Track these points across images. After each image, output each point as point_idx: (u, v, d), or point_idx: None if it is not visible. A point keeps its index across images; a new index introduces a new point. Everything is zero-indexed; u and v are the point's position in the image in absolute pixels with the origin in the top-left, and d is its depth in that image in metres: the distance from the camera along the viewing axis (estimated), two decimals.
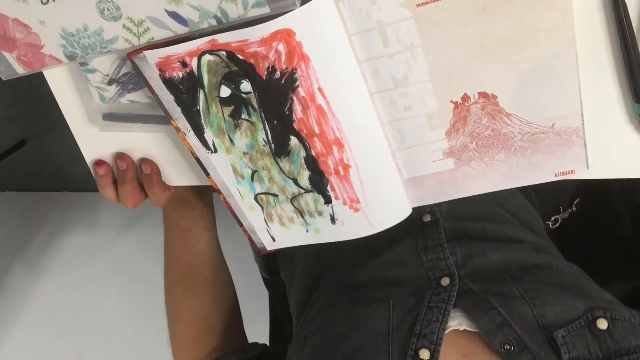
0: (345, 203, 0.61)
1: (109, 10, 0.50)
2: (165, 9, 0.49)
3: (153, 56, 0.53)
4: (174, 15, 0.49)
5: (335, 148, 0.57)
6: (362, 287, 0.70)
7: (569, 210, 0.89)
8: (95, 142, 0.65)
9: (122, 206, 0.68)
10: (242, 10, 0.48)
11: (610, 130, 0.56)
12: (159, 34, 0.51)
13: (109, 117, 0.61)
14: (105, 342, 1.74)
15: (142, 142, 0.64)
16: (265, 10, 0.48)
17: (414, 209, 0.64)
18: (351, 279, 0.72)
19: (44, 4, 0.50)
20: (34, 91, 1.86)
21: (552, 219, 0.89)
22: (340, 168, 0.58)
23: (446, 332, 0.59)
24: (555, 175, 0.59)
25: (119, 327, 1.76)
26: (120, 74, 0.58)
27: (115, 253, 1.92)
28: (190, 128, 0.58)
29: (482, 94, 0.55)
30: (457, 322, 0.60)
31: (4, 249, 2.01)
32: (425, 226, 0.72)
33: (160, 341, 1.64)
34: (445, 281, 0.65)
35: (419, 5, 0.50)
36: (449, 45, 0.52)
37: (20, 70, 0.56)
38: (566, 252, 0.95)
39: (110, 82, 0.59)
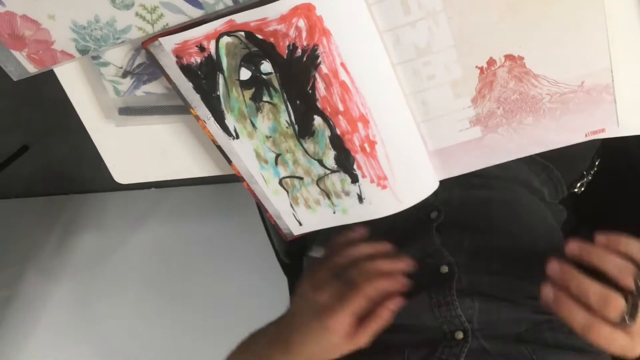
0: (372, 181, 0.59)
1: None
2: None
3: (169, 43, 0.51)
4: None
5: (360, 125, 0.55)
6: None
7: (592, 172, 0.88)
8: (113, 138, 0.63)
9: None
10: None
11: None
12: (174, 20, 0.49)
13: (125, 111, 0.60)
14: (120, 343, 1.74)
15: (161, 135, 0.63)
16: None
17: (429, 262, 0.69)
18: None
19: None
20: (32, 95, 1.83)
21: (578, 184, 0.88)
22: (366, 145, 0.57)
23: None
24: (586, 135, 0.58)
25: (133, 326, 1.76)
26: (134, 65, 0.56)
27: (127, 252, 1.92)
28: (210, 115, 0.57)
29: (509, 57, 0.53)
30: None
31: (16, 256, 2.00)
32: (440, 279, 0.71)
33: (174, 340, 1.66)
34: (459, 335, 0.65)
35: None
36: (473, 7, 0.50)
37: (32, 69, 0.54)
38: (591, 215, 0.95)
39: (124, 75, 0.57)
